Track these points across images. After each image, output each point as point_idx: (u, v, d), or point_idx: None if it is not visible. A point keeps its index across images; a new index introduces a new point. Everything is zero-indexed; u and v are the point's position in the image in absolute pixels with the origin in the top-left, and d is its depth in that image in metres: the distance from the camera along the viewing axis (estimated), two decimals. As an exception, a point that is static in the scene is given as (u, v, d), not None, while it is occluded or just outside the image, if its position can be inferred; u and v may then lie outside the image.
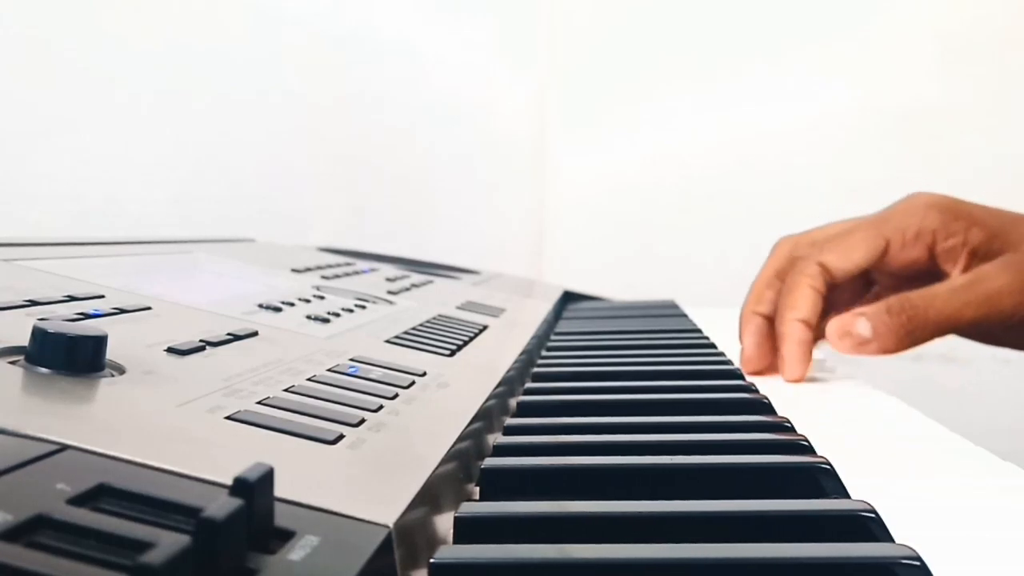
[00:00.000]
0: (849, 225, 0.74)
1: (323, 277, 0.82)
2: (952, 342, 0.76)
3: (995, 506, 0.38)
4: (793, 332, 0.68)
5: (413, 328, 0.64)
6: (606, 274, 1.59)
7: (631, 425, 0.48)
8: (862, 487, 0.38)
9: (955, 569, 0.30)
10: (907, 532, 0.32)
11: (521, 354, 0.67)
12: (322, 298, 0.69)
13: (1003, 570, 0.31)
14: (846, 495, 0.38)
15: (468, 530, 0.33)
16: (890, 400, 0.62)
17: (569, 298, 1.20)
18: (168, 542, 0.20)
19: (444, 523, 0.34)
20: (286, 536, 0.25)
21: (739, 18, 1.63)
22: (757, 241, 0.91)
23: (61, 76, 1.16)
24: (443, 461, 0.36)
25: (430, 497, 0.33)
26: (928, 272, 0.73)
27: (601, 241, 1.66)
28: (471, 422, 0.43)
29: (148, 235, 0.94)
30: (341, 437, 0.35)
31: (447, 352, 0.59)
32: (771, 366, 0.71)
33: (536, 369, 0.67)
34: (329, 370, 0.45)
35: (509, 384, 0.58)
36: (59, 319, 0.41)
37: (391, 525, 0.28)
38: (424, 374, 0.50)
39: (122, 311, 0.47)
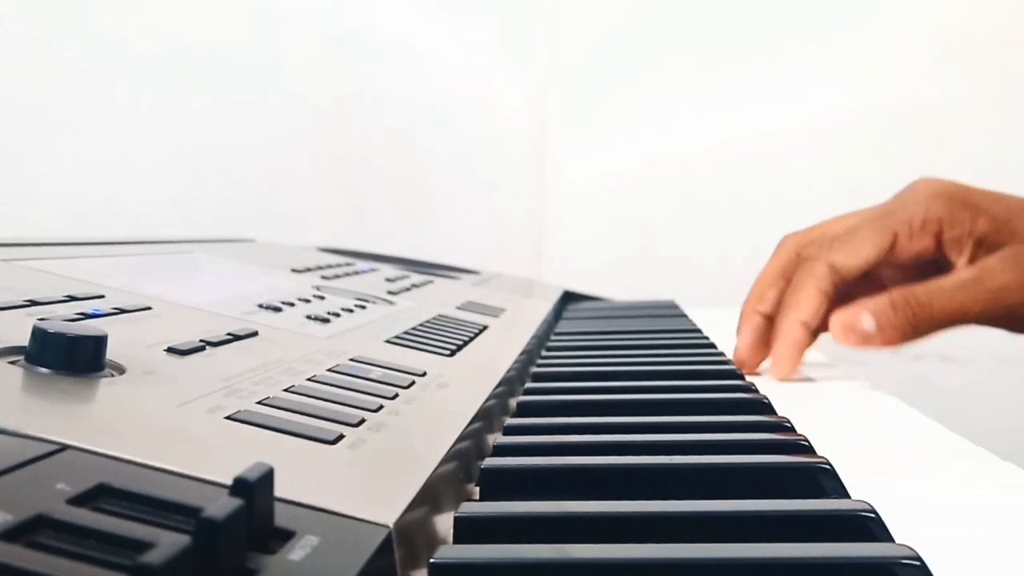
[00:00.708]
0: (854, 220, 0.73)
1: (323, 277, 0.82)
2: (952, 342, 0.76)
3: (995, 506, 0.38)
4: (790, 331, 0.68)
5: (413, 328, 0.64)
6: (606, 274, 1.59)
7: (631, 425, 0.48)
8: (862, 487, 0.38)
9: (955, 569, 0.30)
10: (907, 532, 0.32)
11: (521, 354, 0.67)
12: (322, 298, 0.69)
13: (1003, 570, 0.31)
14: (846, 495, 0.38)
15: (468, 530, 0.33)
16: (890, 400, 0.62)
17: (569, 298, 1.20)
18: (168, 542, 0.20)
19: (444, 523, 0.34)
20: (286, 536, 0.25)
21: (739, 18, 1.63)
22: (757, 241, 0.91)
23: (61, 76, 1.16)
24: (443, 461, 0.36)
25: (430, 497, 0.33)
26: (934, 261, 0.72)
27: (601, 241, 1.66)
28: (471, 422, 0.44)
29: (148, 235, 0.94)
30: (341, 437, 0.35)
31: (447, 352, 0.59)
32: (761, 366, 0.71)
33: (536, 369, 0.67)
34: (329, 370, 0.45)
35: (509, 384, 0.58)
36: (59, 319, 0.41)
37: (391, 525, 0.28)
38: (424, 374, 0.50)
39: (122, 311, 0.47)
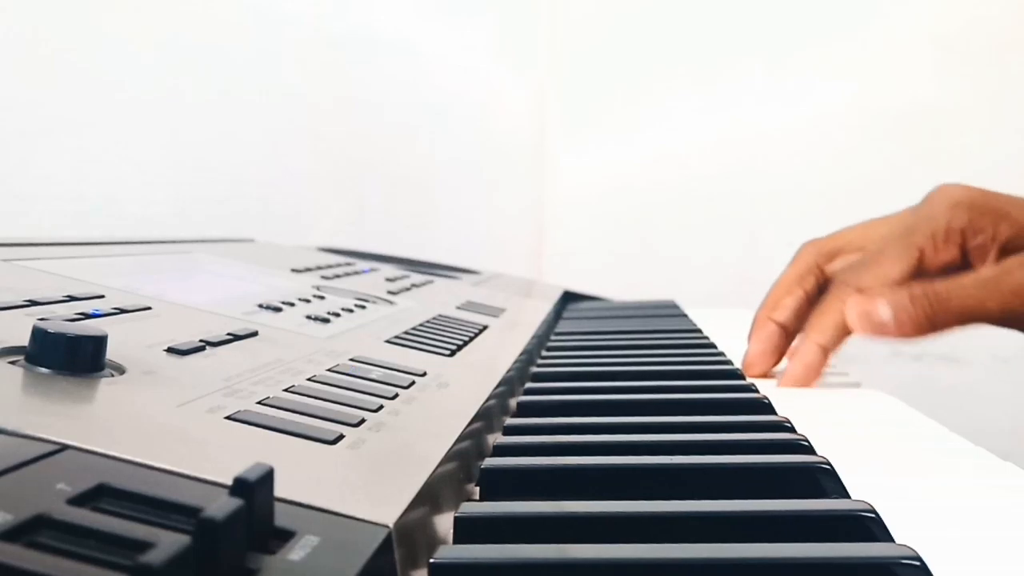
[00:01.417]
0: (877, 237, 0.72)
1: (323, 277, 0.82)
2: (952, 342, 0.76)
3: (995, 506, 0.38)
4: (808, 354, 0.68)
5: (413, 328, 0.64)
6: (606, 274, 1.59)
7: (631, 425, 0.48)
8: (862, 487, 0.38)
9: (955, 569, 0.30)
10: (907, 532, 0.32)
11: (521, 354, 0.67)
12: (322, 298, 0.69)
13: (1003, 570, 0.31)
14: (846, 495, 0.38)
15: (468, 530, 0.33)
16: (890, 400, 0.62)
17: (569, 298, 1.20)
18: (168, 542, 0.20)
19: (444, 523, 0.34)
20: (286, 536, 0.25)
21: (739, 18, 1.63)
22: (757, 241, 0.91)
23: (61, 76, 1.16)
24: (443, 461, 0.36)
25: (430, 497, 0.33)
26: (961, 269, 0.72)
27: (601, 241, 1.66)
28: (471, 422, 0.44)
29: (148, 235, 0.94)
30: (341, 437, 0.35)
31: (447, 352, 0.59)
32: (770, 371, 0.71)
33: (536, 369, 0.67)
34: (329, 370, 0.45)
35: (509, 384, 0.58)
36: (59, 319, 0.41)
37: (391, 525, 0.28)
38: (424, 374, 0.50)
39: (122, 311, 0.47)
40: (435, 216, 1.60)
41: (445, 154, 1.62)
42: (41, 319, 0.37)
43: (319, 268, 0.87)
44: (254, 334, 0.49)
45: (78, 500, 0.24)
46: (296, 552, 0.24)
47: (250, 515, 0.23)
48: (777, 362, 0.71)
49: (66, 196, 1.14)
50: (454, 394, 0.48)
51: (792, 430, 0.48)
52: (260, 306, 0.59)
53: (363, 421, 0.37)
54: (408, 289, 0.87)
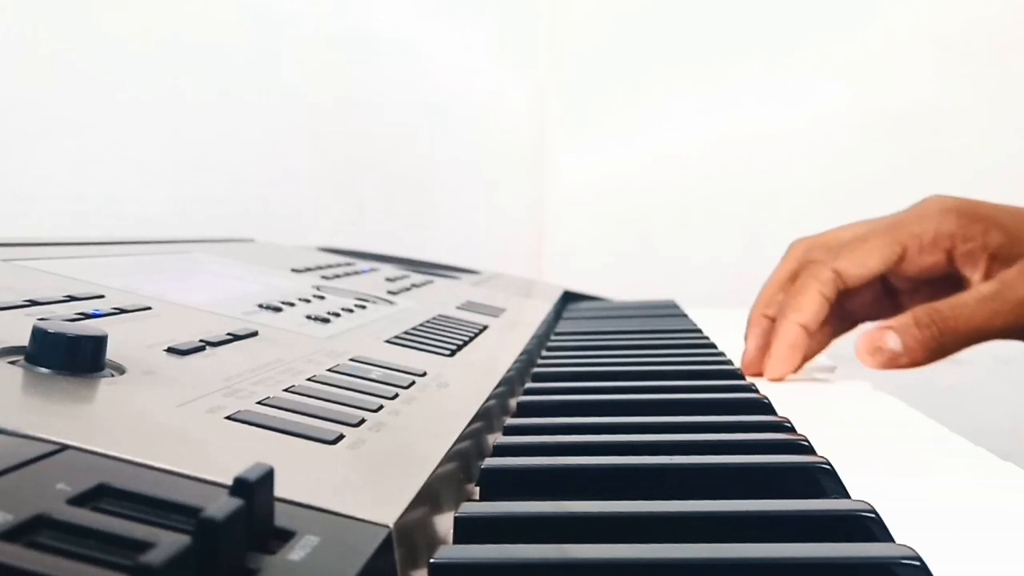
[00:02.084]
0: (864, 230, 0.73)
1: (323, 277, 0.82)
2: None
3: (995, 506, 0.38)
4: (788, 333, 0.68)
5: (413, 328, 0.64)
6: (606, 274, 1.59)
7: (631, 425, 0.48)
8: (862, 487, 0.38)
9: (955, 569, 0.30)
10: (907, 532, 0.32)
11: (521, 354, 0.67)
12: (322, 298, 0.69)
13: (1003, 570, 0.31)
14: (846, 495, 0.38)
15: (468, 530, 0.33)
16: (890, 400, 0.62)
17: (569, 298, 1.20)
18: (168, 542, 0.20)
19: (444, 523, 0.34)
20: (286, 536, 0.25)
21: (739, 18, 1.63)
22: (757, 241, 0.92)
23: (61, 76, 1.16)
24: (443, 461, 0.36)
25: (430, 497, 0.33)
26: (948, 276, 0.72)
27: (601, 241, 1.66)
28: (471, 422, 0.43)
29: (148, 235, 0.94)
30: (341, 437, 0.35)
31: (447, 352, 0.59)
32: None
33: (536, 369, 0.67)
34: (329, 370, 0.45)
35: (509, 384, 0.58)
36: (59, 319, 0.41)
37: (391, 525, 0.28)
38: (424, 374, 0.50)
39: (122, 311, 0.47)
40: (435, 216, 1.60)
41: (445, 154, 1.62)
42: (41, 319, 0.37)
43: (319, 268, 0.87)
44: (254, 334, 0.49)
45: (78, 500, 0.24)
46: (296, 552, 0.24)
47: (250, 515, 0.23)
48: None
49: (66, 196, 1.14)
50: (454, 394, 0.48)
51: (792, 430, 0.48)
52: (260, 306, 0.59)
53: (363, 421, 0.37)
54: (408, 289, 0.87)
